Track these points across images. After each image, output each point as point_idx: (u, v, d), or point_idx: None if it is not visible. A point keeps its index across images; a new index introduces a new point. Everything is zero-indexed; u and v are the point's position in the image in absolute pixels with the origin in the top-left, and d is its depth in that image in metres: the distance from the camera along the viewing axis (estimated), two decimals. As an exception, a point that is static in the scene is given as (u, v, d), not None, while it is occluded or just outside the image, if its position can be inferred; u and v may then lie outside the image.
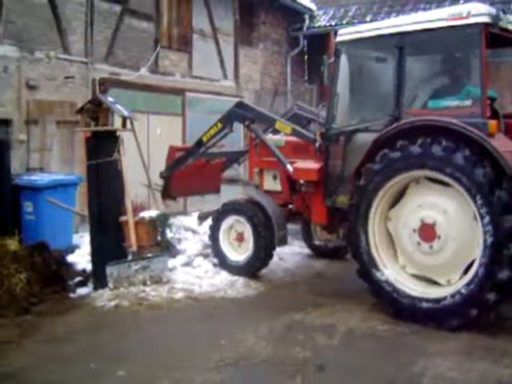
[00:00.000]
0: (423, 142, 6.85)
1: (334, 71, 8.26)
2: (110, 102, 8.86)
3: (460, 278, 6.87)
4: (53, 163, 12.14)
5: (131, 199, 8.84)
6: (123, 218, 8.65)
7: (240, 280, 8.83)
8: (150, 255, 8.58)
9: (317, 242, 10.80)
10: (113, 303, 7.75)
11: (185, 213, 14.62)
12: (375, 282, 7.37)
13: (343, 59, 8.21)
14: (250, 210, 9.11)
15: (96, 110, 8.82)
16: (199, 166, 10.40)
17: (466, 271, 6.86)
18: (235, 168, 11.97)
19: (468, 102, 7.14)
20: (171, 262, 9.05)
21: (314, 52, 21.05)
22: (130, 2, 14.11)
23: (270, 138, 9.79)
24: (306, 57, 21.20)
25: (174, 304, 7.84)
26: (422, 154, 6.86)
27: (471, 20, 6.92)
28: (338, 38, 8.26)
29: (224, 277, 8.98)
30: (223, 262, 9.36)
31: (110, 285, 8.18)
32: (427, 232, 7.03)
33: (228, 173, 11.75)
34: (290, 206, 9.54)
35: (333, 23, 20.18)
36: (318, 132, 8.65)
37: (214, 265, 9.43)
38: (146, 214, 8.88)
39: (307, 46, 21.05)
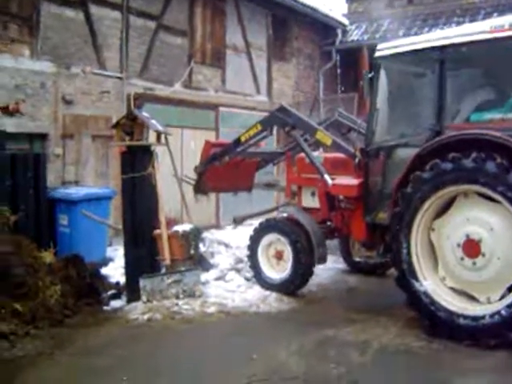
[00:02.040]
0: (477, 157, 6.63)
1: (373, 86, 8.14)
2: (145, 117, 8.94)
3: (500, 298, 6.69)
4: (88, 177, 12.30)
5: (165, 213, 8.90)
6: (157, 232, 8.70)
7: (272, 295, 8.78)
8: (182, 269, 8.60)
9: (357, 259, 10.59)
10: (146, 316, 7.77)
11: (218, 226, 14.70)
12: (413, 293, 7.20)
13: (382, 74, 8.10)
14: (289, 228, 8.92)
15: (131, 124, 8.90)
16: (233, 163, 10.23)
17: (508, 291, 6.68)
18: (271, 173, 11.83)
19: None
20: (204, 276, 9.06)
21: (346, 66, 21.12)
22: (164, 18, 14.31)
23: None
24: (338, 71, 21.26)
25: (206, 318, 7.83)
26: (475, 169, 6.64)
27: None
28: (377, 53, 8.12)
29: (257, 291, 8.94)
30: (259, 277, 9.20)
31: (144, 298, 8.22)
32: (472, 248, 6.83)
33: (264, 177, 11.65)
34: (329, 223, 9.36)
35: (365, 37, 20.25)
36: (358, 147, 8.52)
37: (247, 279, 9.42)
38: (180, 228, 8.92)
39: (340, 61, 21.11)
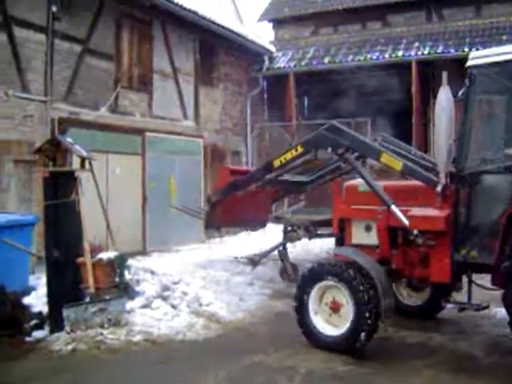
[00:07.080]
0: None
1: (467, 101, 6.85)
2: (69, 143, 8.79)
3: None
4: (10, 203, 11.97)
5: (89, 240, 8.73)
6: (81, 259, 8.52)
7: (199, 322, 8.71)
8: (107, 297, 8.43)
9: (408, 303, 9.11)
10: (70, 347, 7.57)
11: (144, 253, 14.50)
12: None
13: (479, 86, 6.85)
14: (349, 274, 7.26)
15: (54, 149, 8.74)
16: (251, 193, 9.06)
17: None
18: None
19: None
20: (129, 304, 8.87)
21: (273, 92, 21.49)
22: (91, 41, 14.17)
23: (359, 182, 8.25)
24: (265, 96, 21.64)
25: (132, 347, 7.69)
26: None
27: None
28: (472, 62, 6.83)
29: (183, 319, 8.83)
30: (310, 334, 7.58)
31: (67, 328, 8.00)
32: None
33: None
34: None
35: (292, 64, 20.57)
36: (447, 173, 7.08)
37: (173, 307, 9.28)
38: (104, 256, 8.75)
39: (267, 86, 21.49)
